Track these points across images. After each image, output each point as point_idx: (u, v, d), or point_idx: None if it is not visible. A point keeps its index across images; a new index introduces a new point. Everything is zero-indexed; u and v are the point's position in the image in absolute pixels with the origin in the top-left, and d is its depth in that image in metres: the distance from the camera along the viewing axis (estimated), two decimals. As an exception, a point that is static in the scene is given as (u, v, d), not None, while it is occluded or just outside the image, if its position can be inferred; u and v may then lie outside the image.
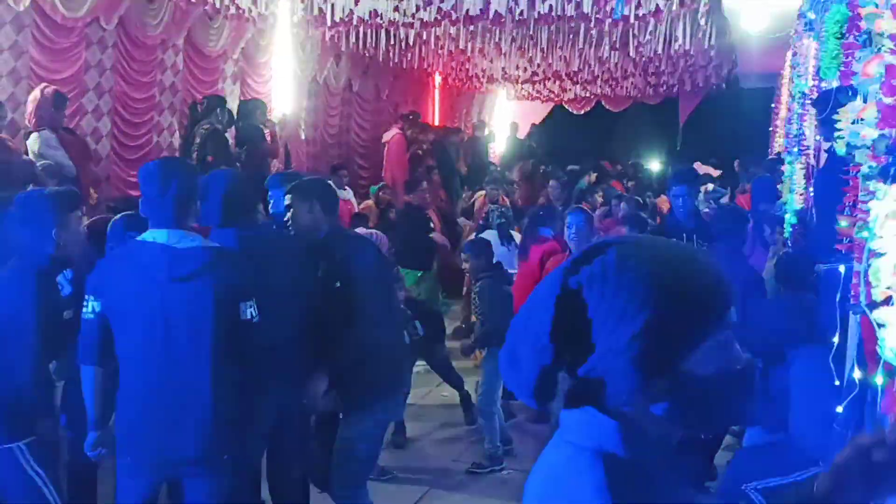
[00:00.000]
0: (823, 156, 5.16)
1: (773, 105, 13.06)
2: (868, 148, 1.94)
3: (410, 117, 13.03)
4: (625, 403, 1.19)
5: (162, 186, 3.24)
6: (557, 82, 16.83)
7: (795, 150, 6.74)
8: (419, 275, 8.07)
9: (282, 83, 11.32)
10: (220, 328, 3.24)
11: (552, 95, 18.39)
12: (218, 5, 8.83)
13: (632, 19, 9.20)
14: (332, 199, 4.25)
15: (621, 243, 1.21)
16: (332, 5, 9.13)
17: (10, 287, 3.51)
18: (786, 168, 7.35)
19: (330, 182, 4.71)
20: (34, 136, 6.63)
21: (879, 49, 2.03)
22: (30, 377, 3.53)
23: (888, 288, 1.69)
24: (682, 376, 1.16)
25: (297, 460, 4.15)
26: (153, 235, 3.27)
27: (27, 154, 6.60)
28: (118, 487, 3.44)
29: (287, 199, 4.17)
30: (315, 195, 4.13)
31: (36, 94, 6.73)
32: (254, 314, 3.31)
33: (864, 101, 2.29)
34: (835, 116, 2.92)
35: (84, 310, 3.29)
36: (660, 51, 11.39)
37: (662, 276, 1.17)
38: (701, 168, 13.30)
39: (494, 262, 6.18)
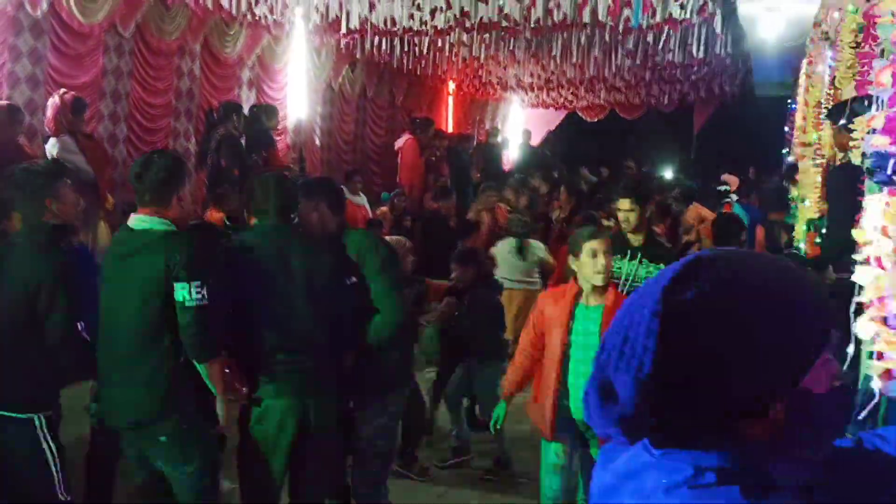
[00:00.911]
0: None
1: (788, 113, 13.04)
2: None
3: (418, 121, 13.02)
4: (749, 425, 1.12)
5: (133, 176, 3.54)
6: (571, 90, 16.83)
7: (811, 159, 6.74)
8: None
9: (297, 89, 11.38)
10: (150, 304, 3.43)
11: (566, 103, 18.39)
12: (234, 12, 8.88)
13: (646, 27, 9.20)
14: (338, 198, 4.28)
15: (721, 260, 1.14)
16: (348, 13, 9.17)
17: (28, 257, 3.61)
18: (800, 176, 7.34)
19: (334, 182, 4.73)
20: (53, 140, 6.70)
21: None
22: (59, 343, 3.61)
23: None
24: (799, 395, 1.12)
25: (322, 476, 4.05)
26: (130, 218, 3.57)
27: (45, 158, 6.65)
28: None
29: None
30: (320, 195, 4.14)
31: (55, 99, 6.79)
32: (187, 297, 3.39)
33: (878, 110, 2.29)
34: (850, 126, 2.92)
35: None
36: (674, 59, 11.39)
37: (778, 295, 1.11)
38: (729, 179, 13.24)
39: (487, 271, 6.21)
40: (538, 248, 7.72)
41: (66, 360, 3.65)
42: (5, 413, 3.65)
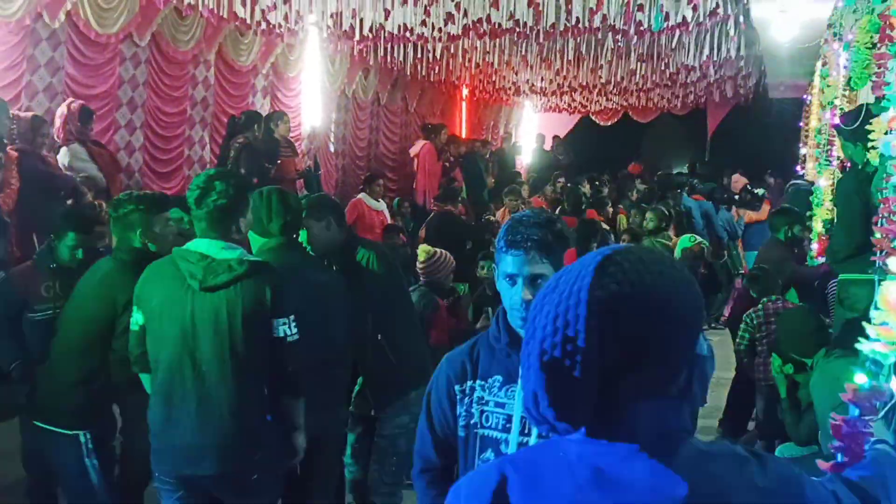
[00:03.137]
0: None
1: (802, 115, 12.99)
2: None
3: (430, 127, 13.02)
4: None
5: (200, 197, 3.22)
6: (584, 94, 16.82)
7: (825, 160, 6.72)
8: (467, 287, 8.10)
9: (311, 97, 11.43)
10: (247, 343, 3.17)
11: (579, 107, 18.38)
12: (249, 21, 8.93)
13: (659, 31, 9.20)
14: (342, 210, 4.36)
15: (627, 253, 1.30)
16: (361, 19, 9.21)
17: (93, 278, 3.77)
18: (815, 178, 7.33)
19: (333, 197, 4.74)
20: (64, 149, 6.77)
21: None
22: (101, 365, 3.67)
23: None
24: (694, 359, 1.31)
25: (328, 489, 4.09)
26: (195, 244, 3.26)
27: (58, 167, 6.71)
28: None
29: None
30: (330, 211, 4.16)
31: (63, 109, 6.87)
32: (288, 332, 3.22)
33: (897, 111, 2.29)
34: (868, 127, 2.92)
35: (130, 320, 3.35)
36: (688, 62, 11.37)
37: (676, 280, 1.29)
38: (739, 181, 13.22)
39: None
40: None
41: (122, 378, 3.61)
42: (53, 428, 3.74)
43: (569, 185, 12.03)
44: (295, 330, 3.23)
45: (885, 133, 2.39)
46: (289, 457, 3.44)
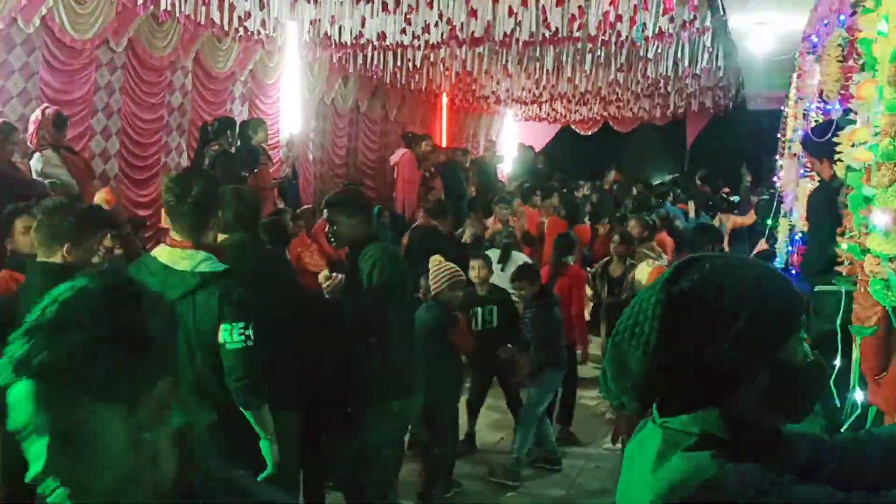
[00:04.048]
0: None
1: (779, 126, 13.09)
2: (862, 171, 1.95)
3: (411, 136, 13.02)
4: (730, 393, 1.37)
5: (171, 198, 3.19)
6: (564, 103, 16.88)
7: (800, 171, 6.74)
8: None
9: (290, 104, 11.39)
10: (202, 356, 3.14)
11: (559, 116, 18.45)
12: (226, 27, 8.89)
13: (639, 41, 9.25)
14: (373, 210, 4.37)
15: (709, 259, 1.44)
16: (340, 27, 9.20)
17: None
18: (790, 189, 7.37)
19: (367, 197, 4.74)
20: (37, 155, 6.70)
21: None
22: None
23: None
24: (779, 365, 1.37)
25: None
26: (160, 251, 3.24)
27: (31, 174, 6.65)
28: None
29: (326, 213, 4.19)
30: (361, 210, 4.18)
31: (37, 114, 6.80)
32: (229, 339, 3.10)
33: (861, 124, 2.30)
34: (835, 139, 2.94)
35: None
36: (666, 72, 11.43)
37: (753, 284, 1.38)
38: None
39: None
40: (519, 257, 7.72)
41: None
42: None
43: (564, 189, 12.17)
44: (239, 337, 3.08)
45: (851, 146, 2.41)
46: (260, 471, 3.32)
